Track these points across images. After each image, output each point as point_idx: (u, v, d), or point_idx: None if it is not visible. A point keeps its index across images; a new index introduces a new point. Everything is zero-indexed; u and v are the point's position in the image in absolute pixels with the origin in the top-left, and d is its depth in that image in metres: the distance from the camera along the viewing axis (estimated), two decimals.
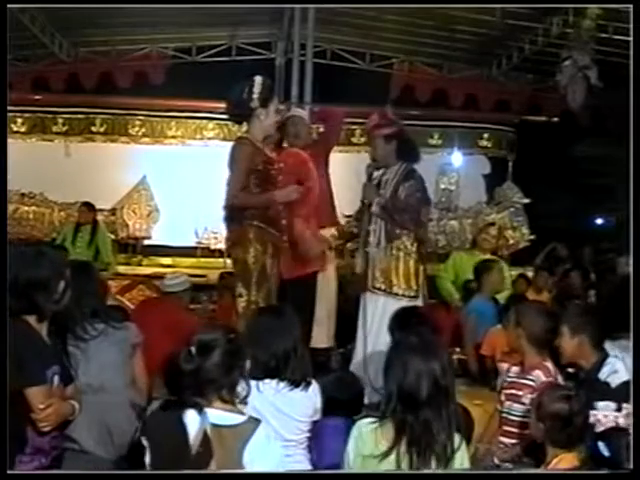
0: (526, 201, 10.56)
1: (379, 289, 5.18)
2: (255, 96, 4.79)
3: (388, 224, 5.17)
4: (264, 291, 4.79)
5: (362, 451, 2.80)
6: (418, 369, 2.75)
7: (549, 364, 3.84)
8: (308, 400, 3.41)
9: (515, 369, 3.95)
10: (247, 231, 4.78)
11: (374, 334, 5.07)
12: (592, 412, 3.24)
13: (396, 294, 5.12)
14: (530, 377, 3.78)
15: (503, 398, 3.90)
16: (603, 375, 3.61)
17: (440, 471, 2.74)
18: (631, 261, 3.54)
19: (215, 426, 2.58)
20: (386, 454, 2.73)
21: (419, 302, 5.16)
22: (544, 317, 3.93)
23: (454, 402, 2.84)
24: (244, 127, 5.09)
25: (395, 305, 4.99)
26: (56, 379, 2.91)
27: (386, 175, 5.29)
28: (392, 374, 2.81)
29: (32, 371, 2.82)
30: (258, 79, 4.83)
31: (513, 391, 3.84)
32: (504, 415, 3.84)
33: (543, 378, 3.74)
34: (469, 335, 6.26)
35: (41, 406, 2.80)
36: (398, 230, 5.15)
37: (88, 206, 9.30)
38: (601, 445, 2.99)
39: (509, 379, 3.94)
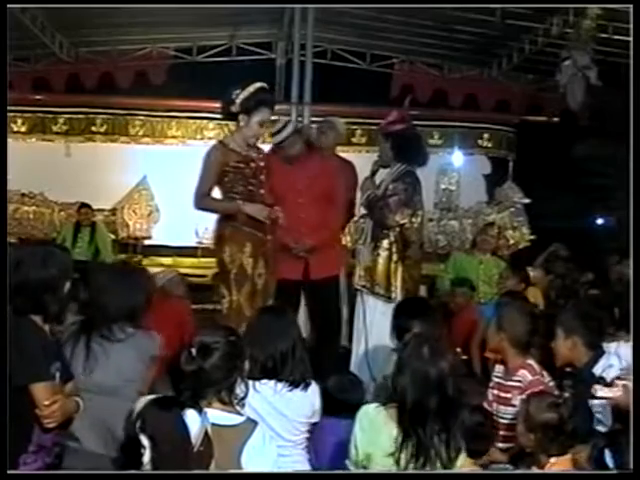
0: (526, 201, 10.57)
1: (363, 287, 5.17)
2: (238, 101, 4.74)
3: (374, 223, 5.15)
4: (246, 291, 4.79)
5: (371, 435, 2.81)
6: (426, 378, 2.73)
7: (532, 362, 3.84)
8: (307, 401, 3.40)
9: (499, 368, 3.94)
10: (223, 231, 4.83)
11: (367, 332, 5.07)
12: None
13: (377, 293, 5.10)
14: (516, 378, 3.79)
15: (491, 398, 3.90)
16: (598, 370, 3.61)
17: (440, 471, 2.75)
18: (631, 261, 3.54)
19: (215, 426, 2.58)
20: (392, 453, 2.73)
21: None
22: (525, 319, 3.93)
23: (460, 410, 2.82)
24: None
25: (385, 305, 4.99)
26: (57, 376, 2.92)
27: (387, 175, 5.28)
28: (400, 382, 2.79)
29: (39, 367, 2.84)
30: (253, 86, 4.76)
31: (501, 394, 3.84)
32: (495, 418, 3.83)
33: (529, 377, 3.75)
34: (478, 337, 6.26)
35: (46, 402, 2.80)
36: (385, 230, 5.12)
37: (86, 207, 9.32)
38: (607, 455, 2.96)
39: (495, 379, 3.94)
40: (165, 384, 3.41)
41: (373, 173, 5.37)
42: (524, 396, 3.60)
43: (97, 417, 3.24)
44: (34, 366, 2.82)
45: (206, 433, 2.54)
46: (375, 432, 2.81)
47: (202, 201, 4.83)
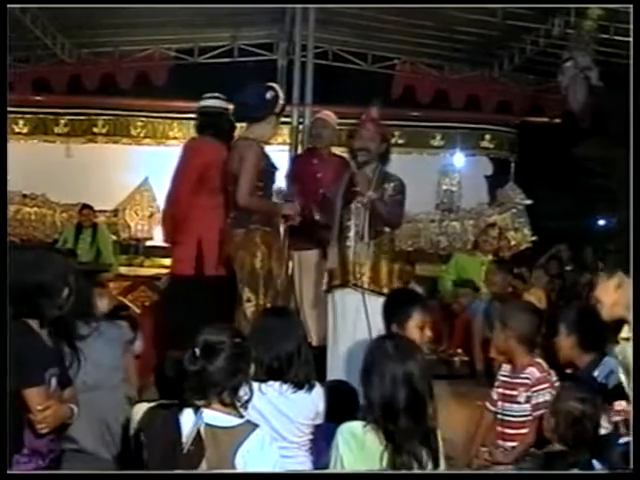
0: (528, 202, 10.55)
1: (356, 285, 4.92)
2: (281, 101, 4.89)
3: (372, 220, 4.92)
4: (271, 295, 4.78)
5: (361, 456, 2.75)
6: (394, 375, 2.72)
7: (540, 360, 3.84)
8: (311, 403, 3.38)
9: (506, 367, 3.94)
10: (254, 235, 4.77)
11: (351, 332, 4.83)
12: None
13: (372, 291, 4.90)
14: (524, 375, 3.78)
15: (495, 397, 3.90)
16: (600, 376, 3.60)
17: (439, 472, 2.74)
18: (631, 261, 3.53)
19: (210, 426, 2.56)
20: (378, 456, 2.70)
21: None
22: (531, 316, 3.93)
23: (433, 407, 2.79)
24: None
25: (372, 302, 4.85)
26: (54, 381, 2.89)
27: (365, 171, 5.03)
28: (369, 382, 2.78)
29: (31, 372, 2.81)
30: (277, 86, 4.94)
31: (506, 391, 3.84)
32: (500, 417, 3.84)
33: (538, 374, 3.74)
34: (476, 337, 6.26)
35: (39, 407, 2.77)
36: (381, 227, 5.00)
37: (88, 208, 9.33)
38: (596, 464, 2.97)
39: (501, 378, 3.93)
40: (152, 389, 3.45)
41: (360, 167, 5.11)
42: (530, 393, 3.62)
43: (90, 413, 3.27)
44: (27, 371, 2.79)
45: (198, 433, 2.52)
46: (365, 453, 2.73)
47: (251, 200, 4.77)
